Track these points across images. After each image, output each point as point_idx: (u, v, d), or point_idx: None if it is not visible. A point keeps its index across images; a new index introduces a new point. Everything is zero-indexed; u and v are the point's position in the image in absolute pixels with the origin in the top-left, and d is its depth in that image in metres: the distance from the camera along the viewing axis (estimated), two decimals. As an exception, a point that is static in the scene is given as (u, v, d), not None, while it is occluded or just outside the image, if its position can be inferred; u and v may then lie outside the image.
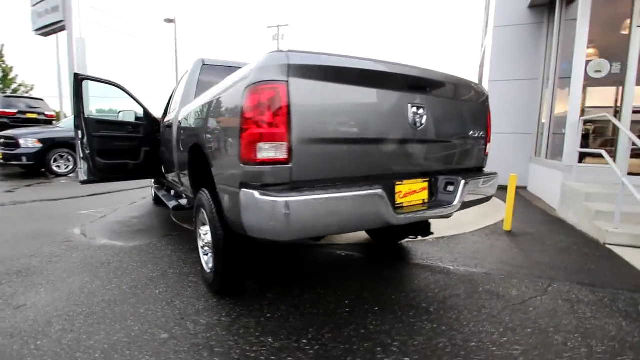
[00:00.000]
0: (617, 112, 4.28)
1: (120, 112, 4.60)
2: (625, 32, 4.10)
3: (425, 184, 1.87)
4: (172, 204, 3.16)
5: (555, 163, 4.83)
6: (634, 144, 4.22)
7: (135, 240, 3.30)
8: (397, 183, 1.73)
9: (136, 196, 5.93)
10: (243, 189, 1.44)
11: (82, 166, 3.84)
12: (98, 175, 3.87)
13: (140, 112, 4.44)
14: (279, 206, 1.30)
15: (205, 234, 2.17)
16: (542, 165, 5.49)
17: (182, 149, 2.58)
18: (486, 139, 2.22)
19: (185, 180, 2.72)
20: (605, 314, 1.90)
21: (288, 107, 1.33)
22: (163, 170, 4.00)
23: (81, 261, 2.75)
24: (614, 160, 4.29)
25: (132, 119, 4.46)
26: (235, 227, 1.70)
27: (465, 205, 1.90)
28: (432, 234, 2.60)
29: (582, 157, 4.44)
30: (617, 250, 2.91)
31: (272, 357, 1.52)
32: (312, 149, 1.42)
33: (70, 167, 8.29)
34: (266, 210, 1.33)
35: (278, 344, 1.62)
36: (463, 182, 1.88)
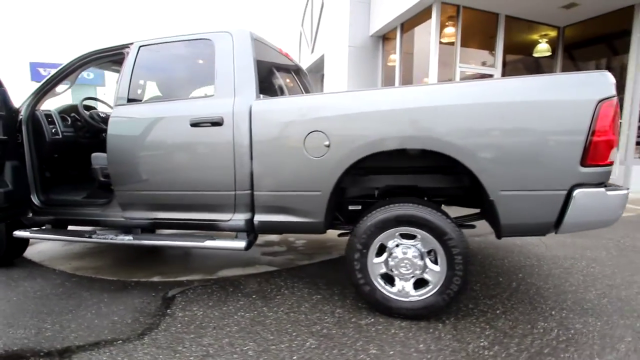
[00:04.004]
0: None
1: None
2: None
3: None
4: (236, 243, 2.03)
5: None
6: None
7: (114, 331, 1.89)
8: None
9: None
10: (582, 189, 1.57)
11: None
12: None
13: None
14: (624, 199, 1.60)
15: (415, 256, 1.81)
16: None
17: (312, 157, 1.85)
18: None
19: (279, 198, 1.96)
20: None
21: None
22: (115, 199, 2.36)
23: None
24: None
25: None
26: (529, 229, 1.71)
27: None
28: None
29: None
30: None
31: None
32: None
33: None
34: (615, 203, 1.58)
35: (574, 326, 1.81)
36: None
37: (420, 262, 1.82)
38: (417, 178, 2.08)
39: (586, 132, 1.55)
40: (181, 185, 2.12)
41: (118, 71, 2.99)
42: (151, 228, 2.38)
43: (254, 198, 2.03)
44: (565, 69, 6.91)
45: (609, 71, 1.59)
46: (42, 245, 3.32)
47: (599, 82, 1.57)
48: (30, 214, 2.56)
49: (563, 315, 1.91)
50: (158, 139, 2.12)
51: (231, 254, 3.03)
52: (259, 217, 2.06)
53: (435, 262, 1.82)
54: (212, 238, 2.13)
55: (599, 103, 1.53)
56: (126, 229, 2.39)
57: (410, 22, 6.77)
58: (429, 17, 6.06)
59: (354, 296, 2.16)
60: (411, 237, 1.84)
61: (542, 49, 7.28)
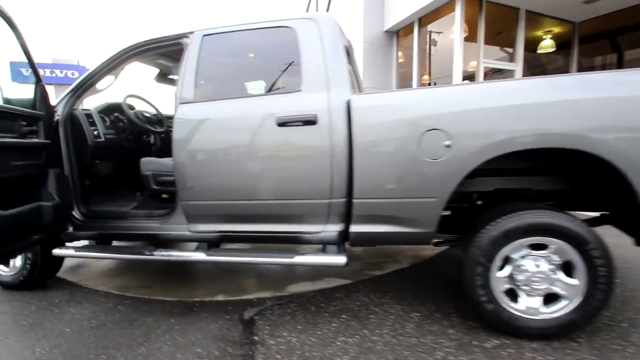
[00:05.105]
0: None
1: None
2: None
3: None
4: (335, 258, 1.79)
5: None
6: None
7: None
8: None
9: None
10: None
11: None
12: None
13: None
14: None
15: (550, 269, 1.61)
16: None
17: (429, 159, 1.62)
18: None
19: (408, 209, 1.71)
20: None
21: None
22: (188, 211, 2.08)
23: None
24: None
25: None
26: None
27: None
28: None
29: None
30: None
31: None
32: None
33: None
34: None
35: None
36: None
37: (554, 276, 1.62)
38: (530, 180, 1.88)
39: None
40: (264, 193, 1.86)
41: (162, 66, 2.68)
42: (218, 242, 2.10)
43: (352, 206, 1.79)
44: (580, 64, 6.92)
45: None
46: (70, 262, 2.96)
47: None
48: (71, 229, 2.24)
49: (695, 325, 1.76)
50: (238, 141, 1.85)
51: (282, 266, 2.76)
52: (355, 228, 1.82)
53: (568, 274, 1.63)
54: (300, 253, 1.87)
55: None
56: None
57: (428, 17, 6.61)
58: (451, 11, 5.91)
59: (460, 313, 1.95)
60: (540, 247, 1.64)
61: (547, 45, 7.25)
